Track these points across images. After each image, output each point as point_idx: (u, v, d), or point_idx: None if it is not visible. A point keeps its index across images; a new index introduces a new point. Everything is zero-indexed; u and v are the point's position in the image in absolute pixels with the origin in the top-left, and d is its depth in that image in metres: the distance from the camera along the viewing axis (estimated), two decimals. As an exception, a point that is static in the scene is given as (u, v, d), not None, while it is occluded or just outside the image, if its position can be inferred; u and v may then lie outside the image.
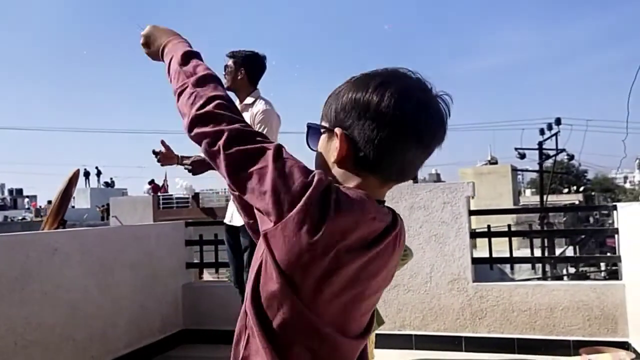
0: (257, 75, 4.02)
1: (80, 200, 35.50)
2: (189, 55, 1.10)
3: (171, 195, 26.93)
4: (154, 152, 3.87)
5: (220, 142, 0.94)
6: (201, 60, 1.11)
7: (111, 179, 38.96)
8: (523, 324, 4.24)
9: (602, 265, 27.63)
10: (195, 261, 5.33)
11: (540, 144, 23.72)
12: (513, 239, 4.93)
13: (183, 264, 5.06)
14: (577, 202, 35.77)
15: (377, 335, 2.47)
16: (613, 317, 4.03)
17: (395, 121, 0.94)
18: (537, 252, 15.75)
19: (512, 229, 8.20)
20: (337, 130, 0.97)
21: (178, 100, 1.04)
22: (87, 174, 39.61)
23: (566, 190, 45.09)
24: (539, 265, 18.47)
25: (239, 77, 3.93)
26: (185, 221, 5.20)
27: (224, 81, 3.99)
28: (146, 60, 1.26)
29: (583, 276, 22.60)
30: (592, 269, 26.77)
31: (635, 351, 3.72)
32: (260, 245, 0.94)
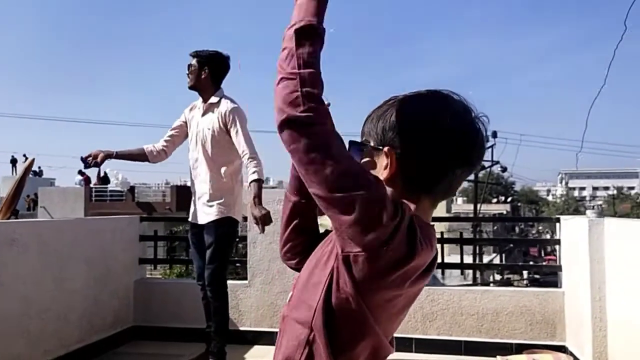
0: (221, 75, 4.05)
1: (5, 189, 33.65)
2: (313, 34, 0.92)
3: (105, 187, 26.10)
4: (83, 159, 3.83)
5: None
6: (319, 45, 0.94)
7: (39, 167, 37.17)
8: (470, 327, 4.47)
9: (525, 274, 29.13)
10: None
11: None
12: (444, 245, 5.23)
13: (136, 259, 4.99)
14: (505, 212, 37.46)
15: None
16: (552, 322, 4.32)
17: (450, 144, 0.96)
18: (467, 259, 16.41)
19: (445, 236, 8.58)
20: (388, 149, 0.98)
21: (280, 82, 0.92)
22: (13, 162, 37.59)
23: (495, 200, 47.11)
24: (467, 272, 19.16)
25: (203, 77, 3.95)
26: (140, 216, 5.12)
27: (187, 80, 3.99)
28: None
29: (507, 283, 23.68)
30: (515, 276, 28.16)
31: (572, 354, 4.00)
32: (328, 262, 0.95)
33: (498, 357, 3.88)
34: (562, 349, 4.14)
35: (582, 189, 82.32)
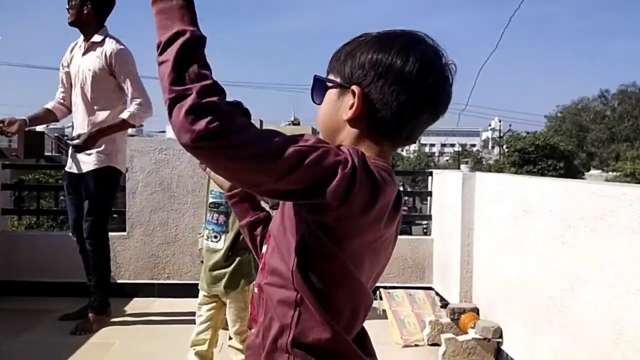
0: (105, 12, 3.74)
1: None
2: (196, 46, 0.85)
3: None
4: None
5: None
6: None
7: None
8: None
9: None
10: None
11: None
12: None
13: (-3, 210, 4.55)
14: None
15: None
16: (422, 266, 4.72)
17: (417, 87, 0.95)
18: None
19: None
20: (355, 88, 0.95)
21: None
22: None
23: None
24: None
25: (85, 12, 3.62)
26: (2, 163, 4.63)
27: (67, 15, 3.63)
28: None
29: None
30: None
31: (437, 294, 4.42)
32: (293, 223, 0.94)
33: (381, 289, 4.16)
34: (429, 290, 4.55)
35: (432, 145, 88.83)
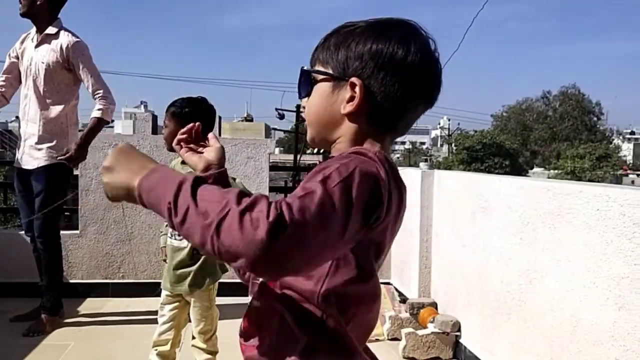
0: (59, 3, 3.60)
1: None
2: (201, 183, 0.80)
3: None
4: None
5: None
6: None
7: None
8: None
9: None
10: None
11: (298, 107, 25.34)
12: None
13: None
14: (318, 162, 39.28)
15: (219, 283, 2.58)
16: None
17: (419, 78, 0.93)
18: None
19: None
20: (356, 80, 0.91)
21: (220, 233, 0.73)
22: None
23: (309, 150, 49.25)
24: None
25: (38, 3, 3.47)
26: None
27: (19, 7, 3.48)
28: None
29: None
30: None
31: (396, 289, 4.48)
32: None
33: None
34: (389, 285, 4.61)
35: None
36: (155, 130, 5.03)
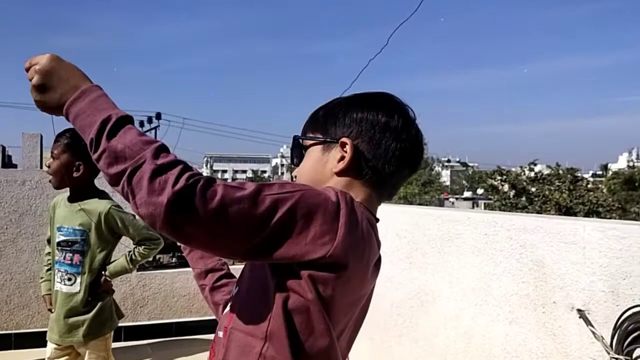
0: None
1: None
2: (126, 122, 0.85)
3: None
4: None
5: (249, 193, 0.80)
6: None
7: None
8: (182, 309, 4.53)
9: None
10: None
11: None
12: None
13: None
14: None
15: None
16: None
17: (401, 139, 1.00)
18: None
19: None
20: (347, 139, 0.98)
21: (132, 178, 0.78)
22: None
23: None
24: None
25: None
26: None
27: None
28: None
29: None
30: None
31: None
32: (267, 273, 0.91)
33: None
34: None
35: (225, 171, 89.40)
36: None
